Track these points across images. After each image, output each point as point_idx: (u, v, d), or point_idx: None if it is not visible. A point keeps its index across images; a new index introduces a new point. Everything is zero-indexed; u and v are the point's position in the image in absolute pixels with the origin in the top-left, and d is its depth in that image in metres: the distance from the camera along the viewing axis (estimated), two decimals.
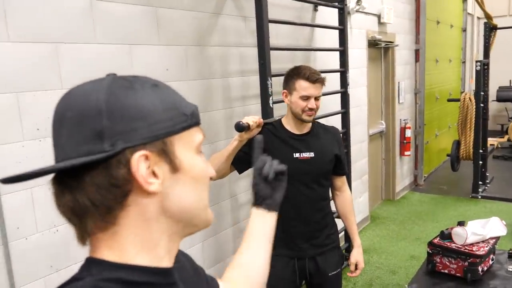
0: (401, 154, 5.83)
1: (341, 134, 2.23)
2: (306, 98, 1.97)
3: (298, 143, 2.05)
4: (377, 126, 5.44)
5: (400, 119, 5.76)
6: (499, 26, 6.19)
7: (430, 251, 2.63)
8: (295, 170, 2.01)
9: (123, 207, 0.58)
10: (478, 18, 9.49)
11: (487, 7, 5.92)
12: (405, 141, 5.77)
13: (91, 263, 0.60)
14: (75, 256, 1.84)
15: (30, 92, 1.70)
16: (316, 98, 1.99)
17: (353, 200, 2.28)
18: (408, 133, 5.76)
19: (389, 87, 5.50)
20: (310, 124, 2.10)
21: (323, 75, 2.03)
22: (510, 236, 3.84)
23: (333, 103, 3.72)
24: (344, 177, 2.22)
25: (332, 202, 2.28)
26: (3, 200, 1.64)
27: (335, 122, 3.61)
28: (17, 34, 1.67)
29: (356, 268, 2.20)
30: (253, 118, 1.88)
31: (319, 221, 2.11)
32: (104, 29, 1.98)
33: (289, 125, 2.08)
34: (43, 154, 1.69)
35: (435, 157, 7.04)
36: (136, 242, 0.60)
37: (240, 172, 2.11)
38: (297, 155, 2.02)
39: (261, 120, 1.93)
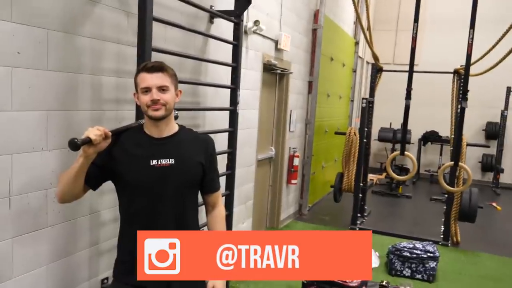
0: (288, 182, 5.83)
1: (214, 145, 1.98)
2: (146, 90, 1.72)
3: (156, 149, 1.78)
4: (266, 152, 5.38)
5: (290, 147, 5.79)
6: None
7: (305, 282, 2.55)
8: (152, 180, 1.74)
9: None
10: (367, 62, 10.23)
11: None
12: (292, 169, 5.79)
13: None
14: None
15: None
16: (161, 89, 1.72)
17: (225, 217, 2.02)
18: (296, 161, 5.80)
19: (281, 114, 5.51)
20: (173, 127, 1.84)
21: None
22: (382, 268, 3.96)
23: (221, 120, 3.53)
24: (216, 194, 1.97)
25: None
26: None
27: (222, 140, 3.42)
28: None
29: None
30: (97, 130, 1.60)
31: None
32: None
33: (148, 129, 1.81)
34: None
35: (320, 188, 7.21)
36: None
37: (94, 189, 1.79)
38: (154, 162, 1.75)
39: (107, 131, 1.64)
